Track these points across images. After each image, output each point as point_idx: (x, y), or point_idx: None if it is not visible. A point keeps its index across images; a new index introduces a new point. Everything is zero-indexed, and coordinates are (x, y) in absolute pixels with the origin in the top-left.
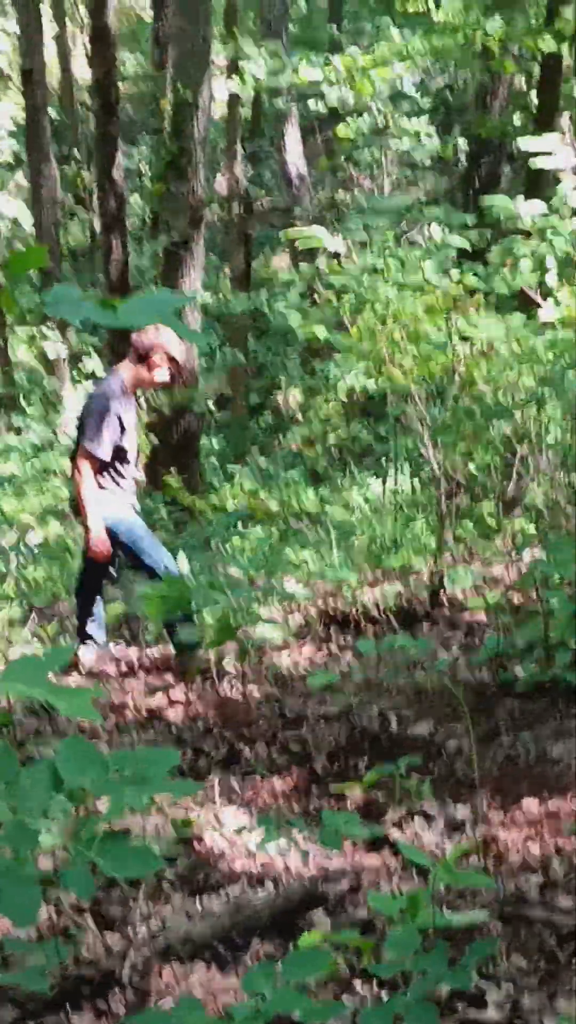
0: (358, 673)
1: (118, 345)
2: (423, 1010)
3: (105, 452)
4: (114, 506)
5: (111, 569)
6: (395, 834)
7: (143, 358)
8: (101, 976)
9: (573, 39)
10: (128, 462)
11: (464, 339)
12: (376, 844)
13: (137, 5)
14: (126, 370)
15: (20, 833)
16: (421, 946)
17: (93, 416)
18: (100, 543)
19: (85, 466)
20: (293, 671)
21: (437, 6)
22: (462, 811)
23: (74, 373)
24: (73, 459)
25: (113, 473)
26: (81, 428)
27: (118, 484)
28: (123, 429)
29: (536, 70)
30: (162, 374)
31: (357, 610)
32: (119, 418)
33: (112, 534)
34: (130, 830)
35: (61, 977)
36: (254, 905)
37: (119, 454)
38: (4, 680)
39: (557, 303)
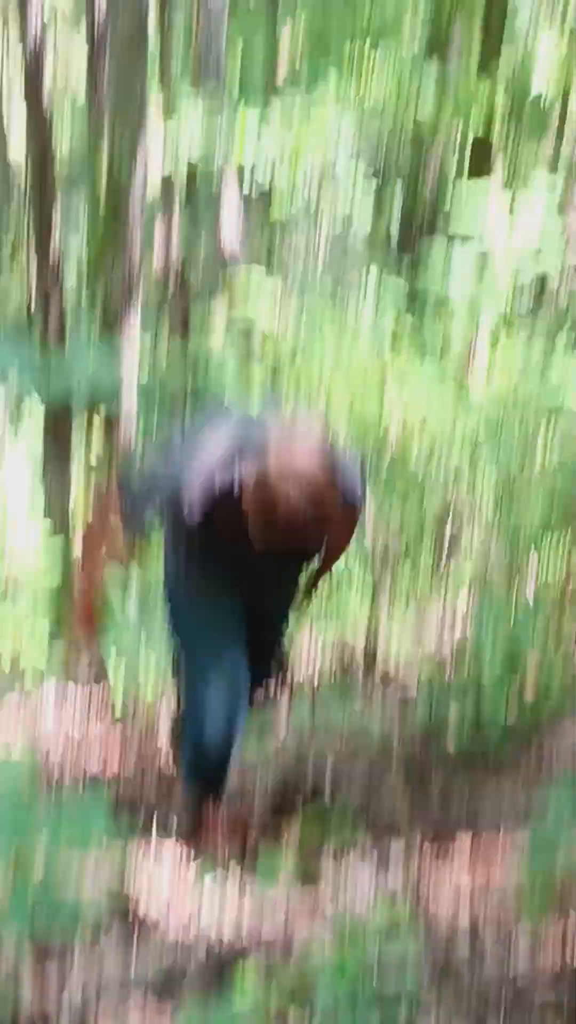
0: (293, 737)
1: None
2: None
3: None
4: None
5: None
6: (328, 879)
7: None
8: (37, 1021)
9: (502, 122)
10: None
11: (397, 409)
12: (310, 887)
13: (76, 85)
14: None
15: None
16: (350, 993)
17: None
18: None
19: None
20: None
21: (375, 47)
22: (395, 847)
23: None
24: None
25: None
26: None
27: None
28: None
29: (467, 151)
30: None
31: (292, 676)
32: None
33: None
34: (65, 878)
35: None
36: (190, 948)
37: None
38: None
39: (492, 365)
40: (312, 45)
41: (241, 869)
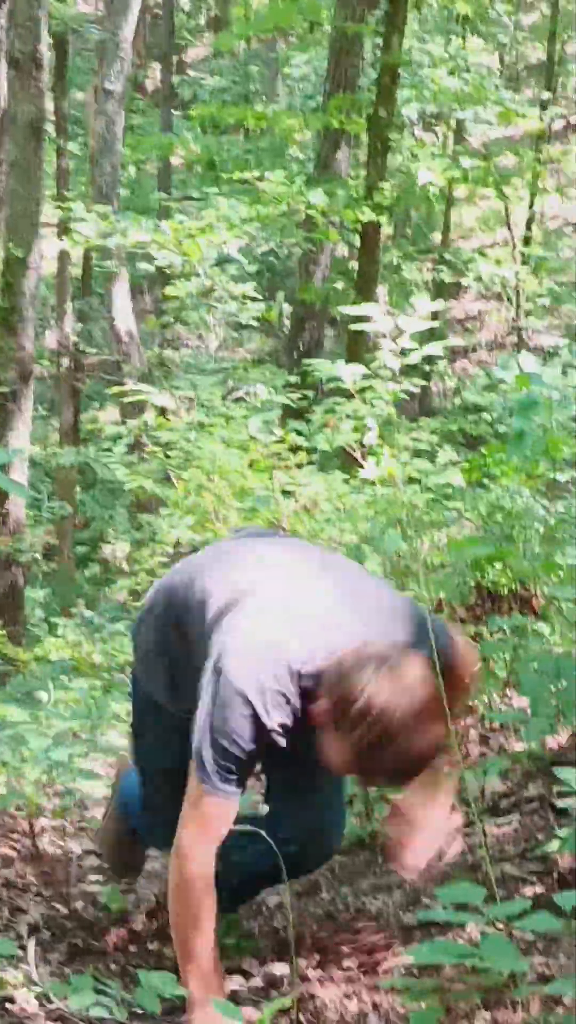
0: None
1: None
2: None
3: None
4: None
5: None
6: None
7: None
8: None
9: (390, 211)
10: None
11: (287, 495)
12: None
13: None
14: None
15: None
16: None
17: None
18: None
19: None
20: None
21: (261, 177)
22: (280, 968)
23: None
24: None
25: None
26: None
27: None
28: None
29: (356, 239)
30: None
31: None
32: None
33: None
34: None
35: None
36: None
37: None
38: None
39: (377, 462)
40: (204, 168)
41: (121, 992)
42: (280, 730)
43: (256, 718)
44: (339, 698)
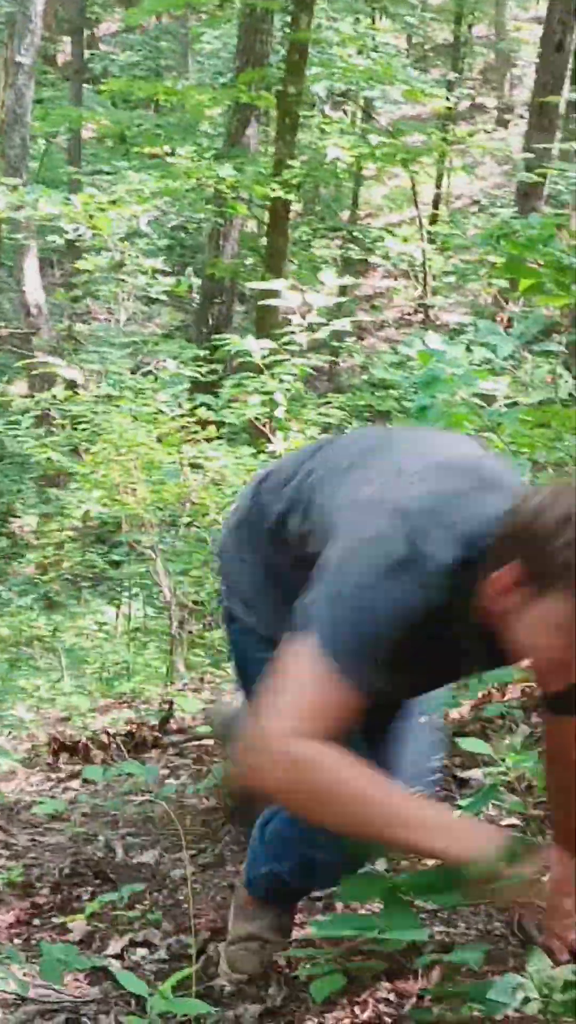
0: (86, 801)
1: None
2: None
3: None
4: None
5: None
6: (115, 964)
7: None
8: None
9: (299, 188)
10: None
11: (195, 468)
12: (96, 975)
13: None
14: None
15: None
16: None
17: None
18: None
19: None
20: (20, 800)
21: (172, 153)
22: (184, 939)
23: None
24: None
25: None
26: None
27: None
28: None
29: (266, 215)
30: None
31: (87, 737)
32: None
33: None
34: None
35: None
36: None
37: None
38: None
39: (285, 436)
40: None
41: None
42: (431, 626)
43: (414, 594)
44: (531, 537)
